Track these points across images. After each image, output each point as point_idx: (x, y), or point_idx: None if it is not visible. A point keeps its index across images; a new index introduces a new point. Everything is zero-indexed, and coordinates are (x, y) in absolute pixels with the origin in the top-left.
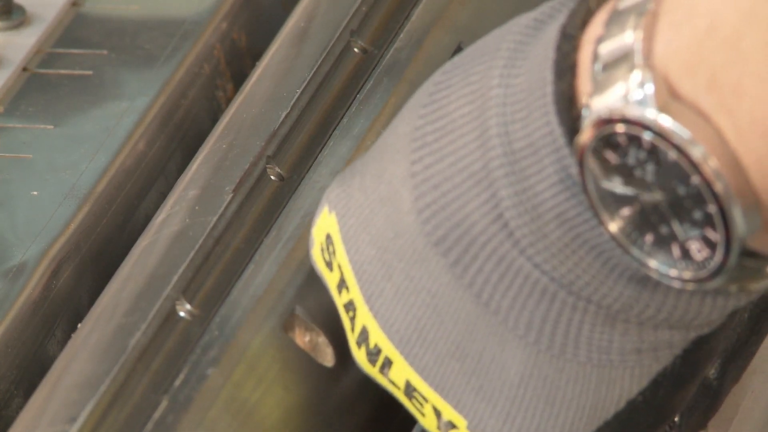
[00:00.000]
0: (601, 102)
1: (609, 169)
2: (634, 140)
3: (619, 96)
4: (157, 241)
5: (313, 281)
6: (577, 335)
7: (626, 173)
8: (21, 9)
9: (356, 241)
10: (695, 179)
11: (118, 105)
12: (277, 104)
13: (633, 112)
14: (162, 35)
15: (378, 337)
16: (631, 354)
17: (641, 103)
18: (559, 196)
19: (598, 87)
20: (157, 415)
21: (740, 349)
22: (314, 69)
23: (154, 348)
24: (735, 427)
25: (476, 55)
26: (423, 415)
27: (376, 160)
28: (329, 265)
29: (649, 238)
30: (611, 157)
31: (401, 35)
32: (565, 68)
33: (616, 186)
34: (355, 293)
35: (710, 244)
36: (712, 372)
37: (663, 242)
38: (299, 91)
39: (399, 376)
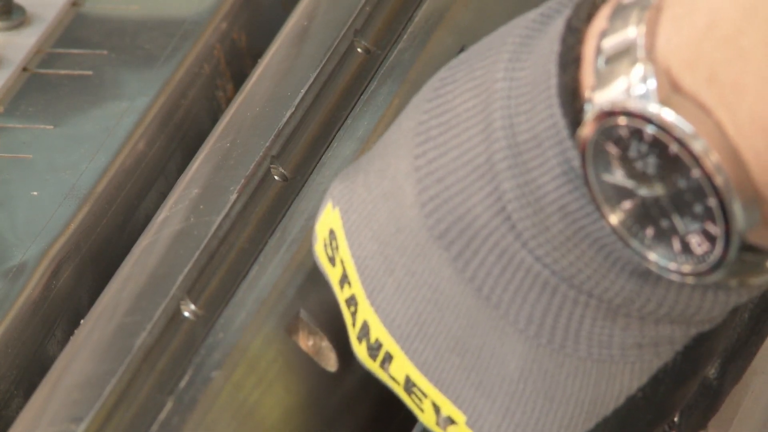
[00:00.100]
0: (603, 95)
1: (611, 162)
2: (636, 133)
3: (622, 90)
4: (160, 240)
5: (317, 284)
6: (578, 329)
7: (628, 166)
8: (21, 9)
9: (359, 236)
10: (696, 173)
11: (118, 105)
12: (278, 104)
13: (635, 106)
14: (162, 35)
15: (379, 331)
16: (631, 349)
17: (643, 96)
18: (562, 188)
19: (601, 80)
20: (162, 416)
21: (740, 349)
22: (318, 69)
23: (159, 348)
24: (735, 427)
25: (482, 50)
26: (422, 411)
27: (381, 156)
28: (332, 260)
29: (649, 231)
30: (613, 150)
31: (405, 36)
32: (569, 61)
33: (618, 179)
34: (356, 288)
35: (710, 238)
36: (712, 372)
37: (663, 236)
38: (303, 91)
39: (399, 372)
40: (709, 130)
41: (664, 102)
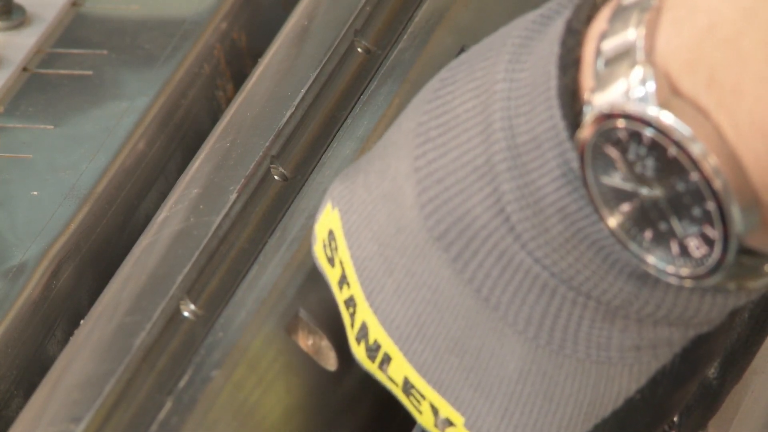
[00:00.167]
0: (602, 98)
1: (610, 165)
2: (635, 136)
3: (621, 92)
4: (160, 240)
5: (317, 283)
6: (577, 331)
7: (627, 169)
8: (21, 9)
9: (358, 237)
10: (694, 176)
11: (118, 105)
12: (278, 104)
13: (634, 109)
14: (162, 35)
15: (377, 333)
16: (630, 351)
17: (642, 99)
18: (561, 190)
19: (600, 83)
20: (161, 416)
21: (740, 349)
22: (318, 69)
23: (158, 348)
24: (735, 427)
25: (482, 51)
26: (420, 412)
27: (380, 156)
28: (331, 261)
29: (648, 234)
30: (612, 152)
31: (405, 36)
32: (569, 63)
33: (617, 181)
34: (355, 289)
35: (708, 242)
36: (712, 372)
37: (662, 238)
38: (303, 91)
39: (397, 373)
40: (707, 133)
41: (663, 105)
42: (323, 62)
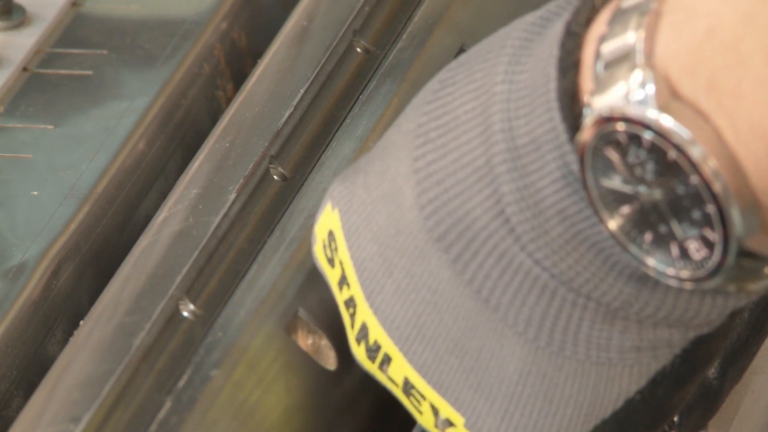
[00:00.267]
0: (602, 100)
1: (609, 167)
2: (635, 139)
3: (621, 95)
4: (159, 240)
5: (316, 283)
6: (577, 332)
7: (627, 171)
8: (21, 9)
9: (358, 237)
10: (694, 179)
11: (118, 105)
12: (278, 104)
13: (634, 112)
14: (162, 35)
15: (377, 333)
16: (629, 352)
17: (642, 102)
18: (561, 192)
19: (600, 85)
20: (161, 416)
21: (740, 349)
22: (317, 69)
23: (157, 348)
24: (735, 427)
25: (481, 52)
26: (420, 413)
27: (380, 157)
28: (331, 261)
29: (648, 236)
30: (612, 155)
31: (404, 36)
32: (569, 66)
33: (616, 184)
34: (355, 290)
35: (708, 244)
36: (712, 372)
37: (662, 241)
38: (302, 91)
39: (397, 373)
40: (707, 136)
41: (662, 108)
42: (322, 62)
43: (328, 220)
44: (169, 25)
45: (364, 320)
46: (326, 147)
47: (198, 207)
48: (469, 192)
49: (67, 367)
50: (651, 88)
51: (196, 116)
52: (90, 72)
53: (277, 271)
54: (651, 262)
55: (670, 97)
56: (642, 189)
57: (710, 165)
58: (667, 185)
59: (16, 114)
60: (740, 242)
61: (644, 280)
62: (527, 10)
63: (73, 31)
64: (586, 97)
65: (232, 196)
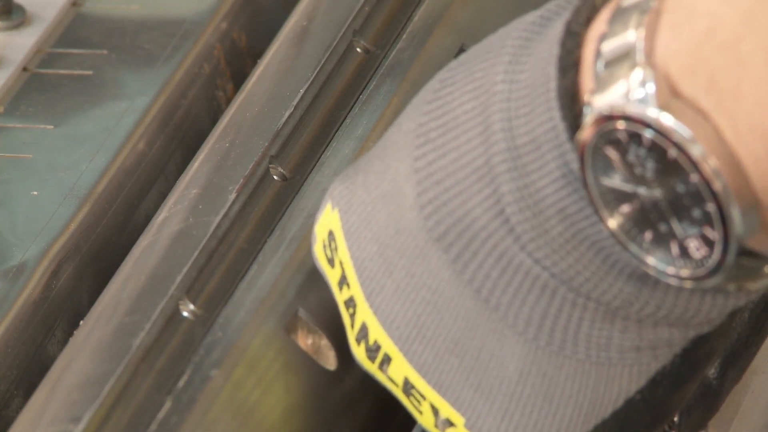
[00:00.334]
0: (602, 99)
1: (609, 166)
2: (635, 138)
3: (621, 94)
4: (159, 240)
5: (316, 283)
6: (577, 332)
7: (627, 170)
8: (21, 9)
9: (358, 237)
10: (694, 178)
11: (118, 105)
12: (278, 104)
13: (634, 110)
14: (162, 35)
15: (377, 333)
16: (630, 352)
17: (642, 101)
18: (561, 191)
19: (600, 84)
20: (161, 415)
21: (740, 349)
22: (317, 69)
23: (157, 348)
24: (735, 427)
25: (481, 52)
26: (421, 413)
27: (380, 157)
28: (331, 261)
29: (648, 235)
30: (612, 153)
31: (404, 35)
32: (569, 65)
33: (617, 182)
34: (355, 289)
35: (708, 243)
36: (712, 372)
37: (662, 240)
38: (302, 91)
39: (398, 373)
40: (707, 135)
41: (663, 107)
42: (322, 62)
43: (327, 220)
44: (169, 25)
45: (364, 320)
46: (326, 147)
47: (198, 207)
48: (469, 192)
49: (67, 367)
50: (651, 87)
51: (196, 116)
52: (90, 72)
53: (277, 271)
54: (651, 261)
55: (670, 95)
56: (642, 188)
57: (710, 164)
58: (667, 184)
59: (16, 114)
60: (740, 241)
61: (644, 279)
62: (527, 10)
63: (73, 31)
64: (586, 96)
65: (232, 196)
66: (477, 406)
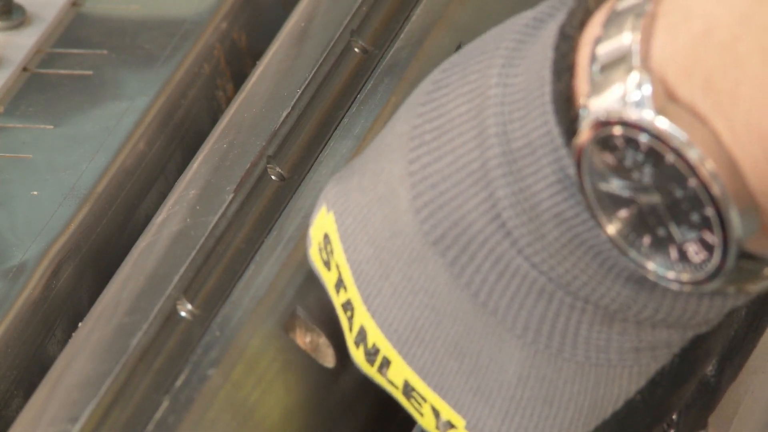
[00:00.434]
0: (598, 103)
1: (606, 171)
2: (632, 142)
3: (617, 97)
4: (158, 241)
5: (313, 282)
6: (575, 335)
7: (624, 175)
8: (21, 9)
9: (354, 240)
10: (692, 182)
11: (118, 105)
12: (277, 104)
13: (630, 115)
14: (162, 35)
15: (376, 336)
16: (629, 353)
17: (638, 104)
18: (557, 196)
19: (596, 88)
20: (158, 415)
21: (737, 346)
22: (315, 69)
23: (155, 348)
24: (735, 427)
25: (475, 53)
26: (421, 415)
27: (374, 159)
28: (327, 264)
29: (646, 240)
30: (608, 158)
31: (402, 35)
32: (564, 69)
33: (614, 187)
34: (353, 293)
35: (707, 247)
36: (709, 369)
37: (660, 244)
38: (300, 91)
39: (397, 376)
40: (704, 138)
41: (659, 110)
42: (320, 62)
43: (323, 223)
44: (169, 25)
45: (362, 323)
46: (324, 147)
47: (196, 207)
48: (465, 195)
49: (67, 367)
50: (648, 90)
51: (196, 116)
52: (90, 72)
53: (275, 270)
54: (650, 265)
55: (666, 99)
56: (640, 192)
57: (708, 167)
58: (665, 188)
59: (16, 114)
60: (739, 244)
61: (642, 282)
62: (525, 8)
63: (73, 31)
64: (582, 100)
65: (230, 196)
66: (477, 408)
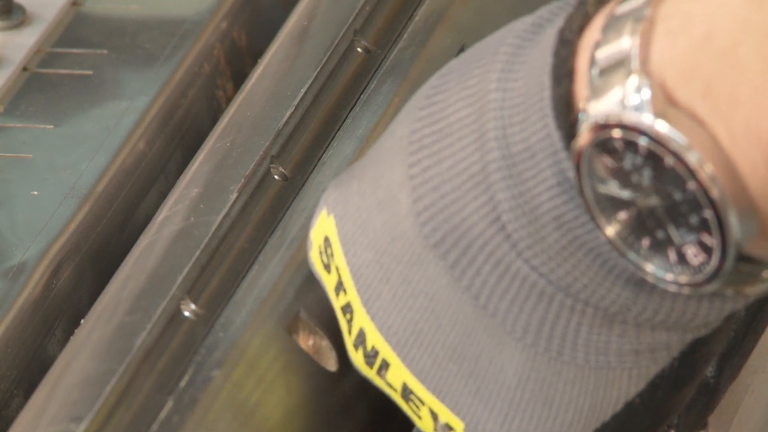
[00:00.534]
0: (597, 107)
1: (606, 174)
2: (631, 145)
3: (616, 101)
4: (160, 239)
5: (317, 283)
6: (575, 337)
7: (623, 178)
8: (21, 9)
9: (354, 244)
10: (691, 185)
11: (118, 105)
12: (278, 103)
13: (629, 118)
14: (162, 35)
15: (375, 339)
16: (628, 355)
17: (638, 108)
18: (557, 199)
19: (595, 92)
20: (162, 415)
21: (737, 346)
22: (318, 68)
23: (159, 348)
24: (735, 427)
25: (474, 58)
26: (420, 418)
27: (374, 163)
28: (327, 267)
29: (645, 242)
30: (608, 161)
31: (405, 35)
32: (563, 73)
33: (613, 190)
34: (352, 296)
35: (706, 249)
36: (709, 370)
37: (659, 247)
38: (303, 91)
39: (396, 379)
40: (703, 142)
41: (658, 114)
42: (323, 62)
43: (323, 226)
44: (169, 25)
45: (362, 326)
46: (327, 147)
47: (199, 206)
48: (465, 199)
49: (68, 366)
50: (647, 94)
51: (196, 116)
52: (90, 72)
53: (278, 271)
54: (649, 268)
55: (665, 103)
56: (639, 195)
57: (707, 170)
58: (663, 191)
59: (16, 114)
60: (738, 247)
61: (642, 284)
62: (527, 10)
63: (73, 30)
64: (581, 104)
65: (233, 195)
66: (477, 411)
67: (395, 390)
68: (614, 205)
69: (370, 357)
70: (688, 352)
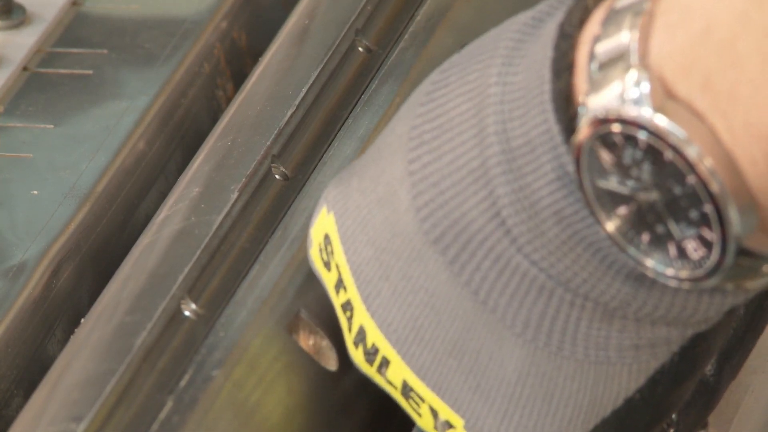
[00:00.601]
0: (597, 101)
1: (605, 168)
2: (630, 140)
3: (616, 95)
4: (159, 239)
5: (317, 282)
6: (575, 332)
7: (622, 172)
8: (21, 8)
9: (354, 241)
10: (691, 179)
11: (118, 104)
12: (279, 103)
13: (629, 112)
14: (162, 34)
15: (375, 336)
16: (628, 350)
17: (637, 102)
18: (556, 193)
19: (595, 86)
20: (162, 415)
21: (736, 345)
22: (319, 68)
23: (159, 348)
24: (735, 427)
25: (474, 53)
26: (420, 415)
27: (374, 160)
28: (327, 265)
29: (645, 237)
30: (607, 156)
31: (406, 35)
32: (563, 67)
33: (613, 185)
34: (352, 293)
35: (706, 244)
36: (708, 369)
37: (659, 241)
38: (304, 90)
39: (396, 376)
40: (703, 135)
41: (657, 108)
42: (324, 61)
43: (323, 224)
44: (169, 25)
45: (362, 323)
46: (328, 146)
47: (200, 206)
48: (465, 194)
49: (68, 366)
50: (646, 88)
51: (196, 116)
52: (90, 71)
53: (279, 270)
54: (649, 262)
55: (665, 97)
56: (638, 190)
57: (707, 164)
58: (663, 186)
59: (16, 113)
60: (738, 241)
61: (642, 279)
62: (528, 8)
63: (73, 30)
64: (581, 98)
65: (234, 195)
66: (476, 407)
67: (395, 387)
68: (614, 199)
69: (370, 354)
70: (689, 348)
